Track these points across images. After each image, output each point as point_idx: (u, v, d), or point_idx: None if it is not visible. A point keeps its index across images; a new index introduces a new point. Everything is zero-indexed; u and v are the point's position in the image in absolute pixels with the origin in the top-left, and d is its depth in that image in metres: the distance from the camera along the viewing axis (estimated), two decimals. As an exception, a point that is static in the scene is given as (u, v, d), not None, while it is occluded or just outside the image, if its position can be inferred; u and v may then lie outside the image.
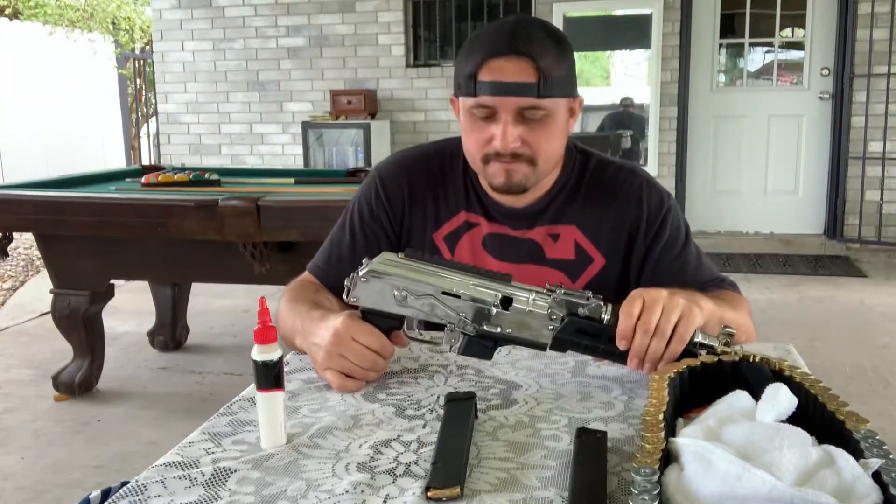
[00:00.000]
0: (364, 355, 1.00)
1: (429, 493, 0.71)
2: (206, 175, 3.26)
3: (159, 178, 3.17)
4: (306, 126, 5.91)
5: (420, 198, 1.32)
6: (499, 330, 0.97)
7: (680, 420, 0.79)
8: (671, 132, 5.61)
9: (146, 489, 0.74)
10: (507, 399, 0.96)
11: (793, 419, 0.72)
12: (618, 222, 1.28)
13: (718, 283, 1.29)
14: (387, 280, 0.98)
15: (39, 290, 4.62)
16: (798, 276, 4.82)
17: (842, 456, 0.63)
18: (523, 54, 1.14)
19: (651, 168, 5.48)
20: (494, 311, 0.97)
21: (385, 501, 0.71)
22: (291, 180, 3.37)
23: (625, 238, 1.29)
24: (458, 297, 0.97)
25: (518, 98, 1.14)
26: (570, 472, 0.74)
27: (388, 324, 1.01)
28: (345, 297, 1.02)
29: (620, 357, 0.96)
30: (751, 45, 5.69)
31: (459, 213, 1.31)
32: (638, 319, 0.93)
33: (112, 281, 2.98)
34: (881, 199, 5.32)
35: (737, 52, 5.80)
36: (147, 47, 9.91)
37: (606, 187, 1.29)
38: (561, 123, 1.21)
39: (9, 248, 2.96)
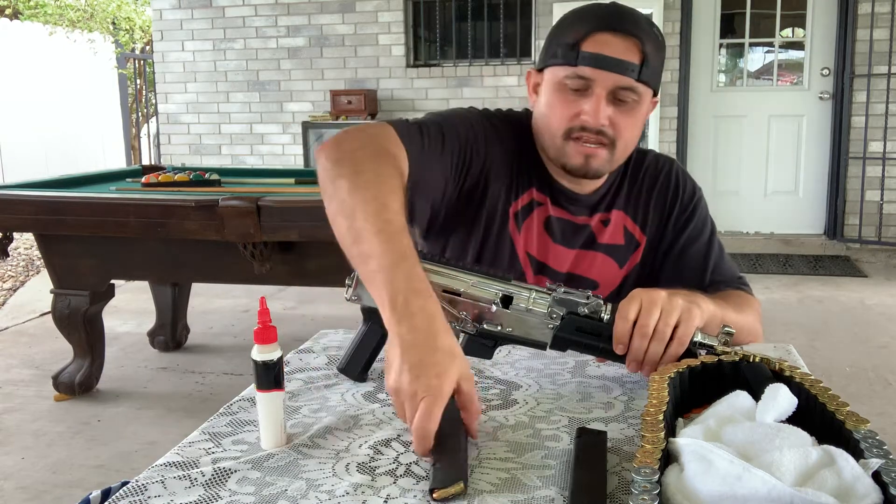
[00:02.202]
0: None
1: (434, 496, 0.71)
2: (207, 175, 3.26)
3: (159, 178, 3.17)
4: (306, 126, 5.91)
5: (506, 165, 1.25)
6: (499, 329, 0.97)
7: (680, 420, 0.79)
8: (671, 132, 5.61)
9: (146, 489, 0.74)
10: (507, 399, 0.96)
11: (793, 419, 0.72)
12: (658, 204, 1.31)
13: (734, 283, 1.30)
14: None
15: (39, 290, 4.62)
16: (798, 276, 4.82)
17: (842, 456, 0.63)
18: (632, 34, 1.14)
19: (651, 168, 5.49)
20: (495, 309, 0.97)
21: (386, 501, 0.71)
22: (291, 180, 3.37)
23: (663, 220, 1.31)
24: (459, 295, 0.97)
25: (618, 75, 1.13)
26: (571, 472, 0.74)
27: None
28: (345, 295, 1.01)
29: (621, 356, 0.96)
30: (751, 45, 5.69)
31: (530, 190, 1.27)
32: (636, 322, 0.93)
33: (112, 281, 2.98)
34: (881, 199, 5.32)
35: (737, 52, 5.80)
36: (147, 47, 9.91)
37: (648, 172, 1.32)
38: (643, 116, 1.21)
39: (9, 248, 2.96)
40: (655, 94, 1.22)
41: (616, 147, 1.18)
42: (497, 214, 1.25)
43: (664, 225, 1.31)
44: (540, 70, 1.23)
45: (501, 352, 1.09)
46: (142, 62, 9.31)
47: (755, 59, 5.83)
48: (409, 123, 1.18)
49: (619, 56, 1.13)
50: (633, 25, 1.14)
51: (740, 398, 0.77)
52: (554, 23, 1.26)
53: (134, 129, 9.44)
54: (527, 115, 1.31)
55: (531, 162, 1.27)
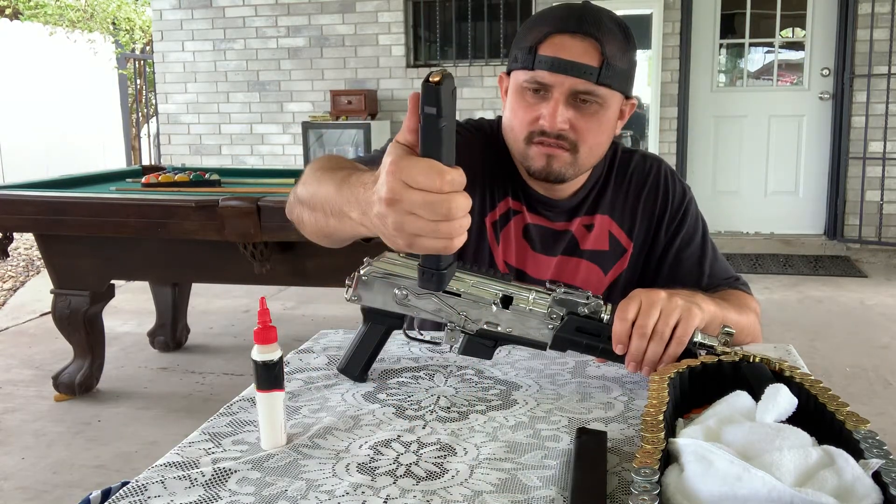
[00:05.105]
0: (432, 205, 0.70)
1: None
2: (207, 175, 3.26)
3: (159, 178, 3.17)
4: (307, 126, 5.91)
5: (478, 175, 1.23)
6: (499, 329, 0.97)
7: (680, 420, 0.79)
8: (671, 132, 5.61)
9: (146, 489, 0.74)
10: (507, 399, 0.96)
11: (793, 419, 0.72)
12: (646, 210, 1.29)
13: (732, 283, 1.29)
14: (388, 279, 0.98)
15: (39, 290, 4.62)
16: (798, 276, 4.82)
17: (842, 456, 0.63)
18: (590, 36, 1.10)
19: (651, 168, 5.50)
20: (494, 309, 0.97)
21: (385, 502, 0.71)
22: (291, 180, 3.36)
23: (652, 226, 1.29)
24: (459, 295, 0.97)
25: (575, 79, 1.10)
26: (571, 472, 0.74)
27: (389, 323, 1.01)
28: (345, 295, 1.01)
29: (621, 356, 0.96)
30: (751, 45, 5.70)
31: (506, 199, 1.26)
32: (634, 322, 0.93)
33: (112, 281, 2.98)
34: (881, 199, 5.32)
35: (737, 52, 5.80)
36: (147, 47, 9.91)
37: (634, 175, 1.29)
38: (611, 119, 1.17)
39: (9, 248, 2.97)
40: (629, 97, 1.19)
41: (579, 151, 1.15)
42: (473, 226, 1.22)
43: (655, 231, 1.29)
44: (508, 73, 1.21)
45: (501, 352, 1.09)
46: (142, 62, 9.31)
47: (755, 59, 5.83)
48: (370, 153, 1.20)
49: (575, 59, 1.10)
50: (593, 27, 1.11)
51: (740, 398, 0.77)
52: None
53: (134, 130, 9.44)
54: (498, 122, 1.29)
55: (505, 170, 1.26)
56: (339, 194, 0.86)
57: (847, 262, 5.16)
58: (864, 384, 3.07)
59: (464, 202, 0.72)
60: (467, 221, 0.73)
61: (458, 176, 0.71)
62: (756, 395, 0.76)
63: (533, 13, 5.70)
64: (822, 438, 0.69)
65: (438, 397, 0.97)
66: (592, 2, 1.19)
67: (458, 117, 1.32)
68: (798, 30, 5.67)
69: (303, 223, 1.04)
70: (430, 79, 0.67)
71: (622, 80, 1.15)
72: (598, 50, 1.11)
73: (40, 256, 3.35)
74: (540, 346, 0.98)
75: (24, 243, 5.92)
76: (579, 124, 1.14)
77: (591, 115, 1.14)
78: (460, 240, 0.74)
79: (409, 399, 0.97)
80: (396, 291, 0.98)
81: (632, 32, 1.17)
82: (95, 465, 2.47)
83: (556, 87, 1.12)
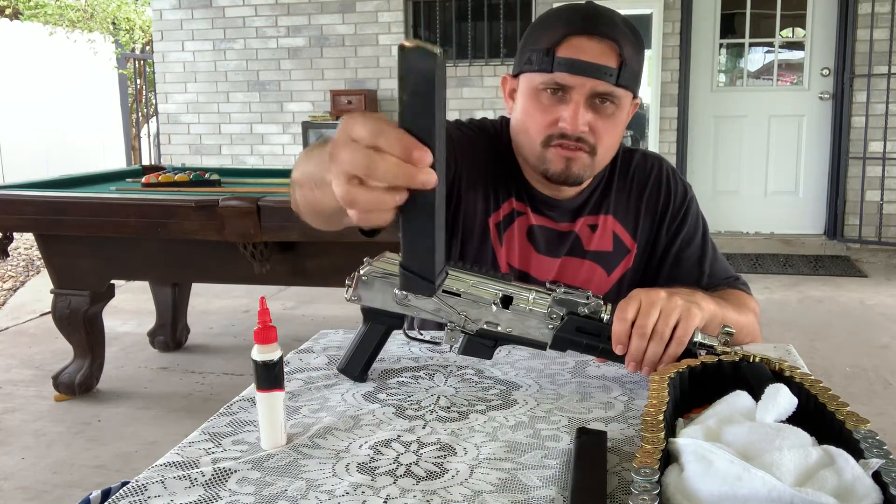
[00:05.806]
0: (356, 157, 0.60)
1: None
2: (207, 175, 3.26)
3: (159, 178, 3.17)
4: (306, 126, 5.91)
5: (481, 175, 1.23)
6: (499, 329, 0.97)
7: (680, 420, 0.79)
8: (671, 132, 5.61)
9: (146, 489, 0.74)
10: (507, 399, 0.96)
11: (793, 419, 0.72)
12: (649, 209, 1.29)
13: (731, 282, 1.29)
14: (388, 279, 0.98)
15: (39, 290, 4.62)
16: (798, 276, 4.82)
17: (842, 456, 0.63)
18: (608, 37, 1.10)
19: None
20: (494, 309, 0.97)
21: (385, 502, 0.71)
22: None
23: (654, 225, 1.29)
24: (459, 295, 0.97)
25: (596, 80, 1.10)
26: (571, 472, 0.74)
27: (389, 323, 1.01)
28: (345, 295, 1.01)
29: (620, 356, 0.96)
30: (751, 45, 5.70)
31: (510, 199, 1.25)
32: (634, 322, 0.93)
33: (112, 281, 2.98)
34: (881, 199, 5.32)
35: (737, 52, 5.80)
36: (147, 47, 9.91)
37: (636, 175, 1.30)
38: (623, 120, 1.18)
39: (9, 248, 2.97)
40: (636, 97, 1.20)
41: (597, 153, 1.16)
42: (476, 227, 1.23)
43: (656, 230, 1.29)
44: (515, 75, 1.20)
45: (501, 352, 1.09)
46: (142, 62, 9.31)
47: (755, 59, 5.83)
48: None
49: (595, 61, 1.10)
50: (609, 28, 1.11)
51: (740, 398, 0.77)
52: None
53: (134, 129, 9.44)
54: (501, 122, 1.29)
55: (508, 171, 1.25)
56: (320, 163, 0.81)
57: (847, 262, 5.16)
58: (864, 384, 3.07)
59: (391, 167, 0.58)
60: (388, 198, 0.60)
61: (395, 134, 0.58)
62: (756, 395, 0.76)
63: (533, 13, 5.70)
64: (822, 438, 0.69)
65: (438, 397, 0.97)
66: (594, 2, 1.19)
67: (459, 117, 1.31)
68: (798, 30, 5.67)
69: (298, 206, 1.04)
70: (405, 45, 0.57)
71: (635, 81, 1.16)
72: (616, 51, 1.11)
73: (40, 256, 3.35)
74: (540, 346, 0.98)
75: (24, 243, 5.92)
76: (598, 126, 1.14)
77: (609, 117, 1.14)
78: (381, 215, 0.61)
79: (409, 399, 0.97)
80: (396, 291, 0.98)
81: (639, 32, 1.18)
82: (95, 465, 2.47)
83: (576, 88, 1.11)
